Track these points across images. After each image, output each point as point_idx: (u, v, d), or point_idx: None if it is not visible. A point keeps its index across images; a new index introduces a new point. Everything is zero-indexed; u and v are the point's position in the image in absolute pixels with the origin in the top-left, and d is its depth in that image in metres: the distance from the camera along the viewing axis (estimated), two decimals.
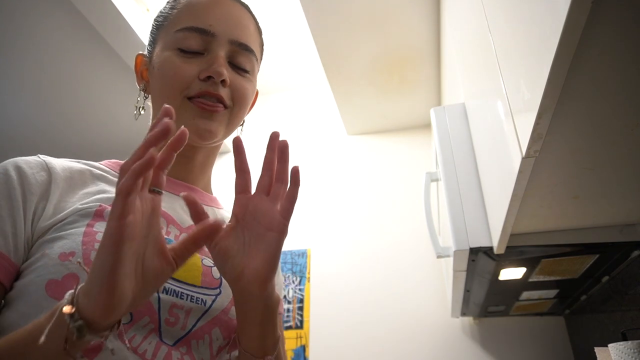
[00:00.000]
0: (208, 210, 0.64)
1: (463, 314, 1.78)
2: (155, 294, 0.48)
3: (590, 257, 1.08)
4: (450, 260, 1.15)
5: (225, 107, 0.59)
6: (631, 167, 0.71)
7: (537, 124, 0.54)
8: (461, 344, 1.92)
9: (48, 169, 0.53)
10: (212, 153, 0.67)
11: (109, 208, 0.49)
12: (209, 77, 0.56)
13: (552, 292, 1.43)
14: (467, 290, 1.39)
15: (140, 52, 0.66)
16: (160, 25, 0.62)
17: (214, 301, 0.53)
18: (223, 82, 0.57)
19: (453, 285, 1.34)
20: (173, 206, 0.59)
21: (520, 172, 0.64)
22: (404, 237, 2.20)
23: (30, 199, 0.50)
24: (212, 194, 0.70)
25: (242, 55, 0.61)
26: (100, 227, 0.49)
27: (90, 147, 3.15)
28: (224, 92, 0.58)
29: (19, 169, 0.51)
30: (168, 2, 0.64)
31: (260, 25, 0.67)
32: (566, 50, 0.44)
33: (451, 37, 1.45)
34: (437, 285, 2.05)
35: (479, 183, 1.06)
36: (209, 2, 0.60)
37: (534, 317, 1.88)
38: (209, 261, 0.56)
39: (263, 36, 0.69)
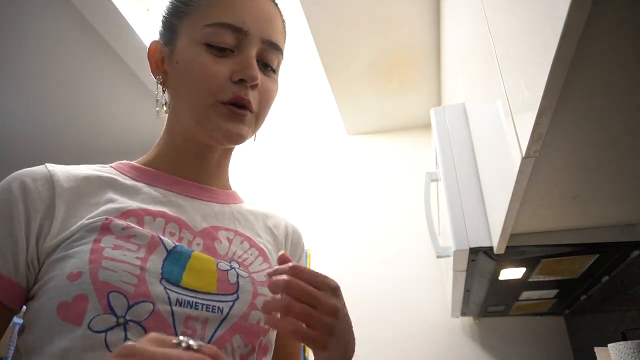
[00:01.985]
0: (224, 208, 0.62)
1: (463, 313, 1.78)
2: (168, 307, 0.46)
3: (590, 257, 1.08)
4: (450, 260, 1.15)
5: (252, 111, 0.57)
6: (631, 167, 0.71)
7: (537, 124, 0.54)
8: (461, 344, 1.92)
9: (52, 181, 0.51)
10: (228, 152, 0.65)
11: (116, 220, 0.49)
12: (241, 80, 0.55)
13: (552, 292, 1.43)
14: (467, 290, 1.39)
15: (155, 40, 0.61)
16: (183, 14, 0.58)
17: (231, 307, 0.51)
18: (254, 85, 0.56)
19: (453, 285, 1.34)
20: (186, 209, 0.57)
21: (520, 172, 0.64)
22: (404, 237, 2.20)
23: (34, 217, 0.49)
24: (230, 189, 0.67)
25: (271, 54, 0.59)
26: (107, 242, 0.47)
27: (90, 146, 3.15)
28: (252, 96, 0.56)
29: (22, 185, 0.50)
30: None
31: (284, 18, 0.64)
32: (566, 50, 0.44)
33: (451, 37, 1.45)
34: (437, 285, 2.05)
35: (479, 183, 1.06)
36: None
37: (534, 317, 1.88)
38: (224, 264, 0.53)
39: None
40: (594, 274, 1.21)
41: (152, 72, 0.61)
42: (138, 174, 0.58)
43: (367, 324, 2.03)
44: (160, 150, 0.61)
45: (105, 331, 0.44)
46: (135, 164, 0.60)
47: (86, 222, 0.49)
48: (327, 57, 2.01)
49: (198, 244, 0.54)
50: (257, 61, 0.57)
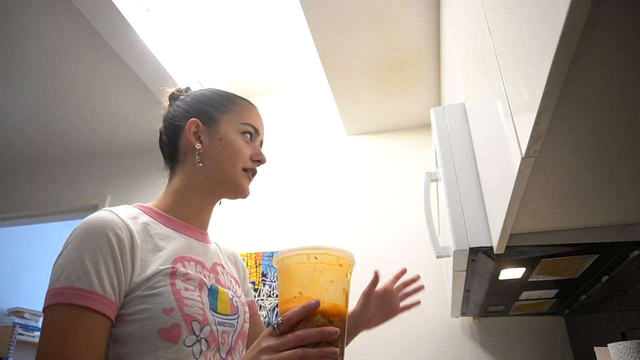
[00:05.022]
0: (210, 247, 0.86)
1: (463, 313, 1.78)
2: (215, 327, 0.71)
3: (590, 257, 1.08)
4: (450, 260, 1.15)
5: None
6: (631, 167, 0.71)
7: (536, 124, 0.54)
8: (461, 344, 1.93)
9: (131, 235, 0.70)
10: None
11: (180, 269, 0.72)
12: (258, 160, 0.87)
13: (551, 292, 1.43)
14: (466, 290, 1.39)
15: (195, 118, 0.86)
16: (223, 111, 0.87)
17: (237, 323, 0.78)
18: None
19: (453, 285, 1.34)
20: (199, 252, 0.81)
21: (520, 172, 0.64)
22: (404, 237, 2.20)
23: (125, 258, 0.68)
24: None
25: (261, 146, 0.92)
26: (179, 285, 0.69)
27: (90, 146, 3.15)
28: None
29: (116, 235, 0.68)
30: (226, 96, 0.90)
31: None
32: (566, 50, 0.44)
33: (451, 37, 1.45)
34: (437, 285, 2.06)
35: (479, 183, 1.06)
36: (256, 111, 0.91)
37: (534, 317, 1.88)
38: (231, 294, 0.80)
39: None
40: (594, 274, 1.21)
41: (191, 140, 0.84)
42: (164, 220, 0.80)
43: None
44: (178, 200, 0.84)
45: (192, 345, 0.67)
46: (159, 210, 0.81)
47: (160, 267, 0.70)
48: (327, 57, 2.01)
49: (211, 278, 0.78)
50: None
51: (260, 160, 0.87)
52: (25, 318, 3.60)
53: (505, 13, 0.66)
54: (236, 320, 0.77)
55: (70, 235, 0.69)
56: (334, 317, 0.60)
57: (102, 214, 0.71)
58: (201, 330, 0.69)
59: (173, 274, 0.70)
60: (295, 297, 0.60)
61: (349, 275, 0.64)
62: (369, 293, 1.00)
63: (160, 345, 0.64)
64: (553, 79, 0.47)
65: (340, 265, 0.62)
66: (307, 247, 0.62)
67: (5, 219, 3.21)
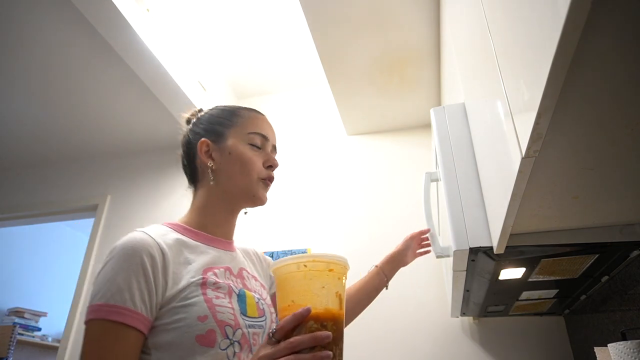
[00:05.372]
0: (236, 254, 0.91)
1: (463, 313, 1.78)
2: (247, 330, 0.76)
3: (590, 257, 1.08)
4: (450, 260, 1.15)
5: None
6: (631, 167, 0.71)
7: (536, 124, 0.54)
8: (461, 344, 1.93)
9: (162, 253, 0.75)
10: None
11: (209, 278, 0.77)
12: (270, 166, 0.91)
13: (551, 292, 1.43)
14: (466, 290, 1.39)
15: (204, 138, 0.90)
16: (230, 125, 0.91)
17: (265, 324, 0.82)
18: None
19: (453, 285, 1.34)
20: (226, 260, 0.85)
21: (520, 172, 0.64)
22: (404, 237, 2.20)
23: (157, 276, 0.73)
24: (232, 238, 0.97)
25: (274, 152, 0.95)
26: (210, 294, 0.75)
27: (91, 145, 3.15)
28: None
29: (149, 255, 0.73)
30: (231, 111, 0.94)
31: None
32: (566, 50, 0.44)
33: (451, 37, 1.45)
34: (437, 285, 2.06)
35: (478, 183, 1.06)
36: (262, 119, 0.95)
37: (534, 317, 1.88)
38: (257, 297, 0.84)
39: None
40: (594, 274, 1.21)
41: (203, 159, 0.89)
42: (192, 235, 0.85)
43: (366, 323, 2.03)
44: (202, 215, 0.89)
45: (226, 349, 0.73)
46: (186, 226, 0.86)
47: (191, 280, 0.75)
48: (327, 57, 2.01)
49: (238, 283, 0.83)
50: None
51: (272, 165, 0.91)
52: (25, 318, 3.60)
53: (505, 13, 0.66)
54: (264, 321, 0.82)
55: (108, 255, 0.75)
56: (328, 322, 0.62)
57: (136, 235, 0.76)
58: (234, 333, 0.74)
59: (204, 284, 0.75)
60: (289, 306, 0.63)
61: (342, 279, 0.66)
62: (416, 237, 1.29)
63: (199, 350, 0.70)
64: (553, 79, 0.47)
65: (331, 270, 0.64)
66: (297, 256, 0.65)
67: (6, 219, 3.21)
